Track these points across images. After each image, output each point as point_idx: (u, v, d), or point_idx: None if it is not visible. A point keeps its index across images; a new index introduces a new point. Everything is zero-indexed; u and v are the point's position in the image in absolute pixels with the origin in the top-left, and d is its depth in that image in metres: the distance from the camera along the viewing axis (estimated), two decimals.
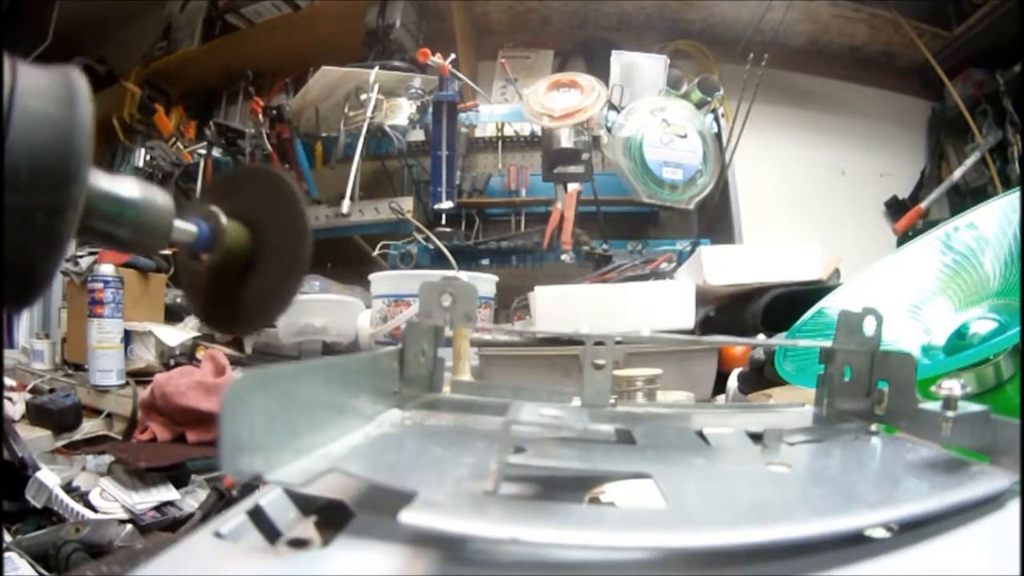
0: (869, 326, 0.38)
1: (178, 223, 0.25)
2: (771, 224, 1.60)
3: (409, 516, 0.20)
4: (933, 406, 0.30)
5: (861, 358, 0.39)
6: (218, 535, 0.22)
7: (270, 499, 0.25)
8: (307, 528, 0.24)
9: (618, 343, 0.45)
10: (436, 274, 1.13)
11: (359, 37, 1.69)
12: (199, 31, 2.03)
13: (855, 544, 0.21)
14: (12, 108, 0.15)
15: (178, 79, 2.12)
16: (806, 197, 1.72)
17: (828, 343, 0.40)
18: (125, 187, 0.22)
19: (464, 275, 1.12)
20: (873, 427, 0.36)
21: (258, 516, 0.24)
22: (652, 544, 0.20)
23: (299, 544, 0.23)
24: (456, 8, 1.73)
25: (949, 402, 0.29)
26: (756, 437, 0.35)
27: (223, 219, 0.29)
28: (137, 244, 0.23)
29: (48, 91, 0.17)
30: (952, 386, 0.29)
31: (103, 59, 2.18)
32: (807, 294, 0.78)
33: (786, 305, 0.94)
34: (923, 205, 1.66)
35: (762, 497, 0.26)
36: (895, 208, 1.74)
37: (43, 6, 1.89)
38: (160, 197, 0.23)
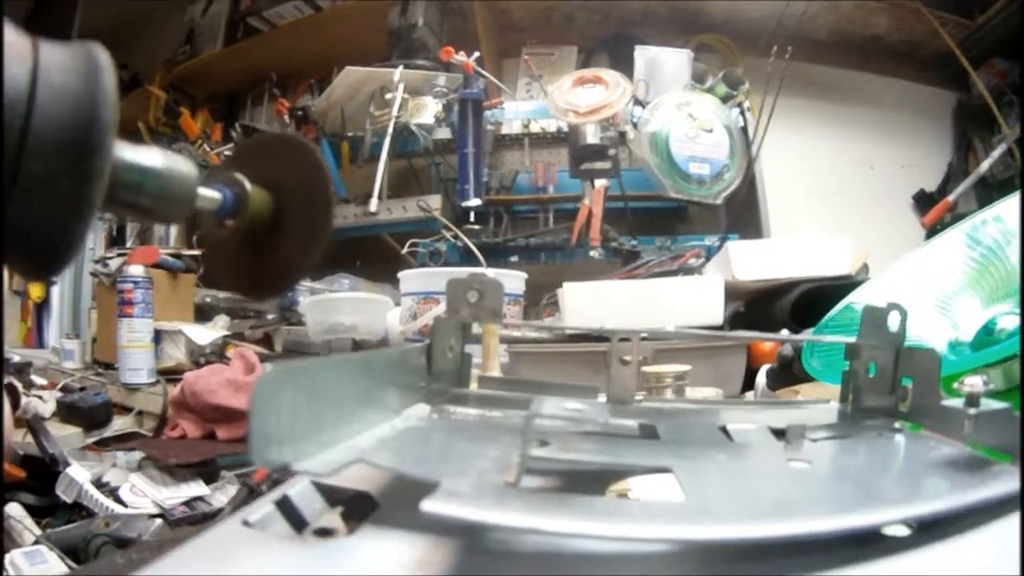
0: (893, 321, 0.38)
1: (202, 191, 0.25)
2: (799, 218, 1.58)
3: (431, 505, 0.21)
4: (955, 403, 0.30)
5: (885, 354, 0.38)
6: (246, 523, 0.22)
7: (298, 490, 0.25)
8: (333, 518, 0.25)
9: (644, 339, 0.45)
10: (464, 271, 1.14)
11: (382, 37, 1.69)
12: (222, 34, 2.05)
13: (872, 542, 0.21)
14: (36, 83, 0.16)
15: (202, 82, 2.14)
16: (833, 191, 1.69)
17: (853, 339, 0.40)
18: (148, 157, 0.22)
19: (493, 272, 1.13)
20: (897, 424, 0.36)
21: (286, 506, 0.24)
22: (668, 536, 0.20)
23: (325, 533, 0.23)
24: (478, 7, 1.73)
25: (971, 399, 0.29)
26: (779, 433, 0.35)
27: (247, 185, 0.29)
28: (161, 213, 0.23)
29: (71, 66, 0.17)
30: (975, 383, 0.28)
31: (126, 65, 2.20)
32: (836, 289, 0.77)
33: (815, 300, 0.93)
34: (950, 198, 1.61)
35: (781, 492, 0.26)
36: (923, 201, 1.70)
37: (64, 14, 1.93)
38: (184, 166, 0.24)
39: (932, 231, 1.52)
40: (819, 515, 0.22)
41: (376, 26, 1.71)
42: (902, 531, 0.22)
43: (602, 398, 0.45)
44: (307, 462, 0.24)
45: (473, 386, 0.47)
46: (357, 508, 0.25)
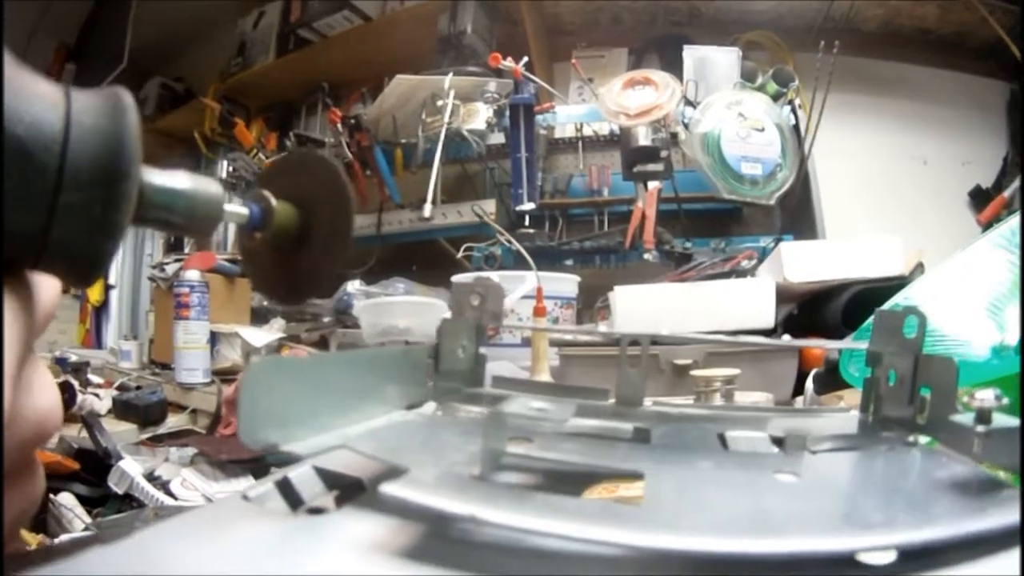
0: (911, 327, 0.36)
1: (228, 207, 0.27)
2: (854, 217, 1.50)
3: (389, 488, 0.22)
4: (965, 419, 0.28)
5: (904, 361, 0.36)
6: (245, 498, 0.24)
7: (298, 473, 0.27)
8: (327, 500, 0.26)
9: (654, 343, 0.45)
10: (517, 275, 1.14)
11: (431, 44, 1.71)
12: (273, 46, 2.09)
13: (846, 567, 0.19)
14: (69, 126, 0.18)
15: (256, 93, 2.19)
16: (887, 188, 1.60)
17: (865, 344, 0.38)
18: (176, 180, 0.24)
19: (547, 275, 1.14)
20: (911, 438, 0.34)
21: (285, 486, 0.26)
22: (595, 538, 0.20)
23: (316, 512, 0.25)
24: (526, 10, 1.72)
25: (982, 415, 0.26)
26: (781, 442, 0.34)
27: (273, 201, 0.31)
28: (191, 228, 0.25)
29: (98, 108, 0.20)
30: (985, 397, 0.26)
31: (180, 78, 2.31)
32: (888, 290, 0.74)
33: (868, 302, 0.89)
34: (1006, 194, 1.49)
35: (749, 506, 0.24)
36: (979, 198, 1.58)
37: (116, 30, 2.01)
38: (211, 186, 0.26)
39: (988, 229, 1.42)
40: (777, 535, 0.20)
41: (425, 34, 1.73)
42: (883, 558, 0.20)
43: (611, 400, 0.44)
44: (294, 444, 0.26)
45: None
46: (353, 494, 0.26)
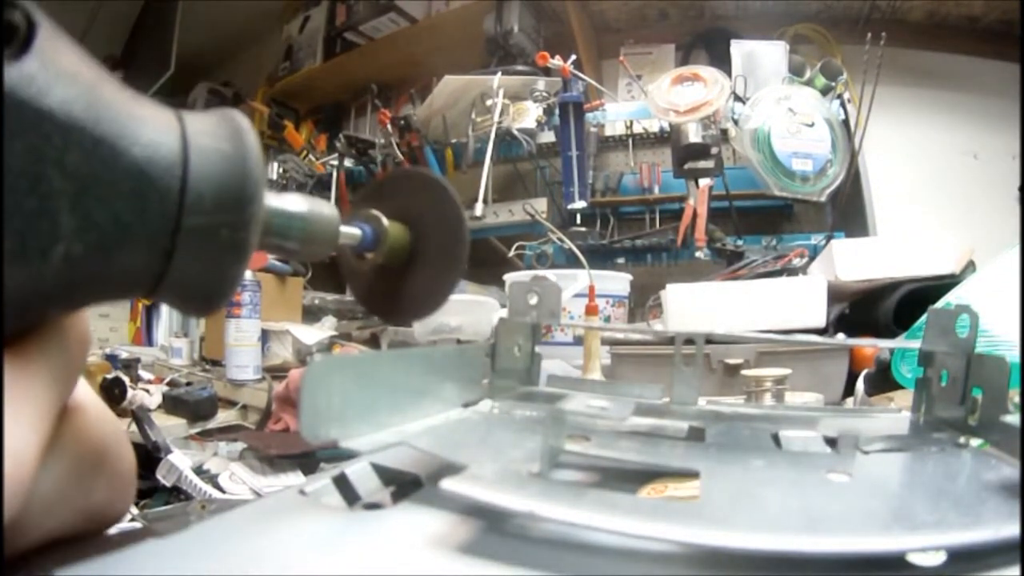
0: (963, 326, 0.36)
1: (343, 228, 0.27)
2: (904, 214, 1.44)
3: (449, 484, 0.22)
4: (1016, 419, 0.28)
5: (957, 361, 0.36)
6: (302, 492, 0.25)
7: (355, 469, 0.27)
8: (384, 496, 0.27)
9: (708, 342, 0.45)
10: (569, 273, 1.14)
11: (479, 43, 1.71)
12: (320, 50, 2.12)
13: (895, 567, 0.20)
14: (187, 148, 0.18)
15: (304, 96, 2.22)
16: (937, 183, 1.53)
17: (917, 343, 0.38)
18: (292, 202, 0.23)
19: (599, 274, 1.15)
20: (962, 439, 0.33)
21: (342, 481, 0.27)
22: (652, 534, 0.20)
23: (372, 507, 0.25)
24: (572, 9, 1.72)
25: None
26: (833, 443, 0.34)
27: (385, 221, 0.30)
28: (306, 253, 0.25)
29: (215, 131, 0.19)
30: None
31: (228, 82, 2.34)
32: (940, 289, 0.72)
33: (921, 301, 0.87)
34: None
35: (800, 505, 0.24)
36: None
37: (162, 37, 2.04)
38: (326, 208, 0.25)
39: None
40: (828, 534, 0.21)
41: (472, 34, 1.74)
42: (932, 559, 0.20)
43: (665, 399, 0.45)
44: (354, 440, 0.27)
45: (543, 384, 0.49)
46: (409, 490, 0.27)
